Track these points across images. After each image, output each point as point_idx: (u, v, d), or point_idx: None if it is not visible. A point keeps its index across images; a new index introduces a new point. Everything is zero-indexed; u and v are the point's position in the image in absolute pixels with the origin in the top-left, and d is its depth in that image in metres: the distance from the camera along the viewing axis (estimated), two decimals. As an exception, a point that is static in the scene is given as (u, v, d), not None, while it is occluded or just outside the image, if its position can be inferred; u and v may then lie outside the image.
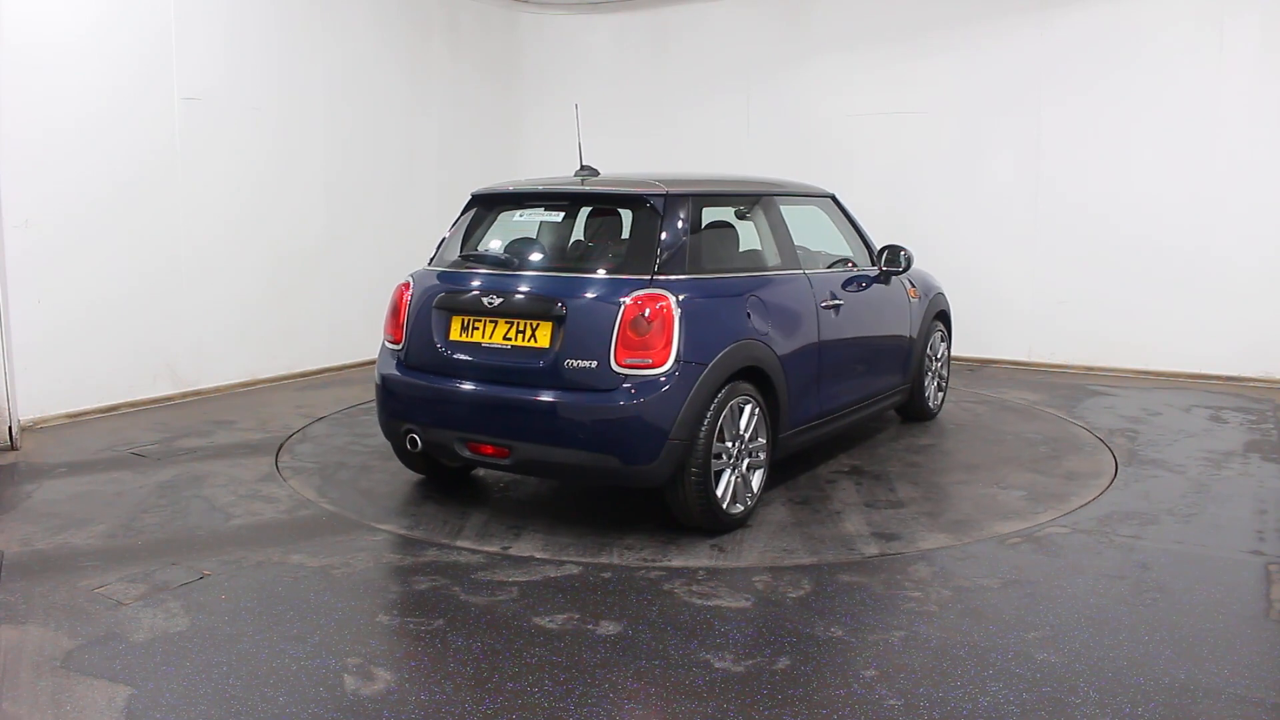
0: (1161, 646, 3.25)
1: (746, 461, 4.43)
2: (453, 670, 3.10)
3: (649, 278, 4.22)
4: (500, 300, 4.37)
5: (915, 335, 6.07)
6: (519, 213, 4.88)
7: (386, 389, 4.69)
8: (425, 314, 4.59)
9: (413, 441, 4.58)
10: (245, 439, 5.94)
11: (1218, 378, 7.65)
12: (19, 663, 3.13)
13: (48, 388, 6.18)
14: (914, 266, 6.34)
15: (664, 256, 4.29)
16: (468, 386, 4.38)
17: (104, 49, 6.38)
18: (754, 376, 4.46)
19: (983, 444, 5.91)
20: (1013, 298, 8.37)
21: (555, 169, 5.06)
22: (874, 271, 5.70)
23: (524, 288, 4.41)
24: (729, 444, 4.30)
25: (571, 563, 4.00)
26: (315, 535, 4.33)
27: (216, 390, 7.23)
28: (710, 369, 4.17)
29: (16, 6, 5.92)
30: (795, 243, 5.47)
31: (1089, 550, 4.14)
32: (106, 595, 3.65)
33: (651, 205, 4.41)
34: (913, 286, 6.11)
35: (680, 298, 4.18)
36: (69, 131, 6.22)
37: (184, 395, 7.02)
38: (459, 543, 4.25)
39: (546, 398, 4.16)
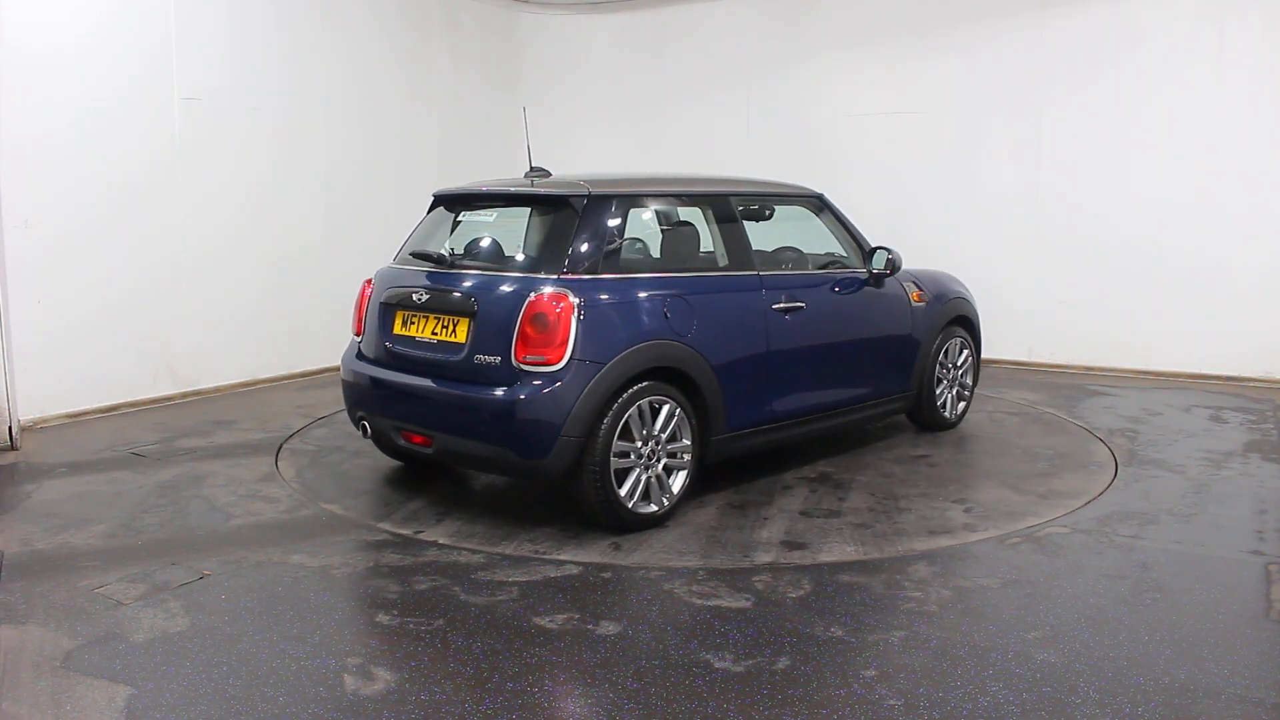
0: (1161, 646, 3.25)
1: (664, 462, 4.42)
2: (453, 670, 3.11)
3: (556, 277, 4.28)
4: (427, 297, 4.59)
5: (920, 340, 5.84)
6: (465, 213, 5.00)
7: (346, 379, 4.98)
8: (377, 308, 4.85)
9: (364, 428, 4.85)
10: (245, 439, 5.94)
11: (1218, 378, 7.65)
12: (19, 663, 3.14)
13: (48, 388, 6.18)
14: (932, 270, 6.23)
15: (577, 255, 4.35)
16: (402, 378, 4.61)
17: (104, 49, 6.38)
18: (674, 377, 4.46)
19: (981, 457, 5.70)
20: (1013, 298, 8.36)
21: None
22: (862, 274, 5.52)
23: (446, 285, 4.58)
24: (639, 443, 4.32)
25: (544, 561, 4.01)
26: (315, 535, 4.34)
27: (216, 390, 7.23)
28: (609, 368, 4.19)
29: (16, 6, 5.92)
30: (786, 244, 5.45)
31: (1089, 550, 4.14)
32: (106, 595, 3.65)
33: (572, 205, 4.47)
34: (918, 289, 5.86)
35: (584, 297, 4.21)
36: (69, 131, 6.21)
37: (184, 395, 7.02)
38: (381, 524, 4.46)
39: (458, 391, 4.34)
